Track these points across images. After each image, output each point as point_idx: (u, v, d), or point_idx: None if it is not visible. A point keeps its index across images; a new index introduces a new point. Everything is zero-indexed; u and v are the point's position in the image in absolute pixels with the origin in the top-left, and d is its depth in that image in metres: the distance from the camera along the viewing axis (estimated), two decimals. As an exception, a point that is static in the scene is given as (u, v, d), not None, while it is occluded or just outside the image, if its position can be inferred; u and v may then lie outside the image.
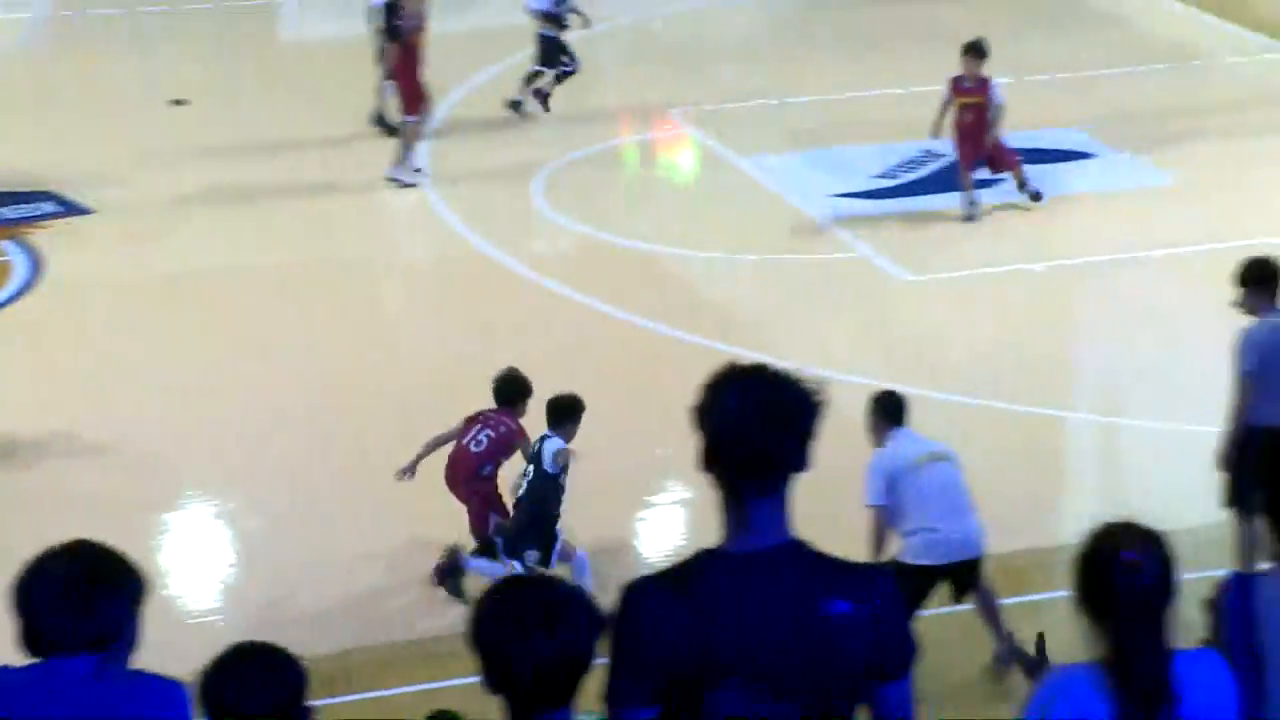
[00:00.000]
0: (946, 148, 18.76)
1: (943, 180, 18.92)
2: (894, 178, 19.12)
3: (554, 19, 20.77)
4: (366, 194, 18.85)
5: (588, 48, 24.14)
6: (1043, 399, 14.21)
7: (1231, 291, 11.14)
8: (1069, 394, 14.79)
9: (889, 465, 10.40)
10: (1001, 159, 18.03)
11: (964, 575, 10.45)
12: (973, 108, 17.75)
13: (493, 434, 11.62)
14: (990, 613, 10.70)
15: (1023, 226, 17.86)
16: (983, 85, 17.73)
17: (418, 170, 19.10)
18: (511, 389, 11.82)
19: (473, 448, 11.61)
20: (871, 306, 16.26)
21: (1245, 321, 11.07)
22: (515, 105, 20.92)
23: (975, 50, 17.85)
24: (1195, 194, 18.60)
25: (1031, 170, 18.79)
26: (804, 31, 24.75)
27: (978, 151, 17.87)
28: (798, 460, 4.53)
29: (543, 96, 20.87)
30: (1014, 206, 18.15)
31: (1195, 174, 19.07)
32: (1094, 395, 14.93)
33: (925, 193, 18.71)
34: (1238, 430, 10.94)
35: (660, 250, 17.36)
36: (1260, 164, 19.33)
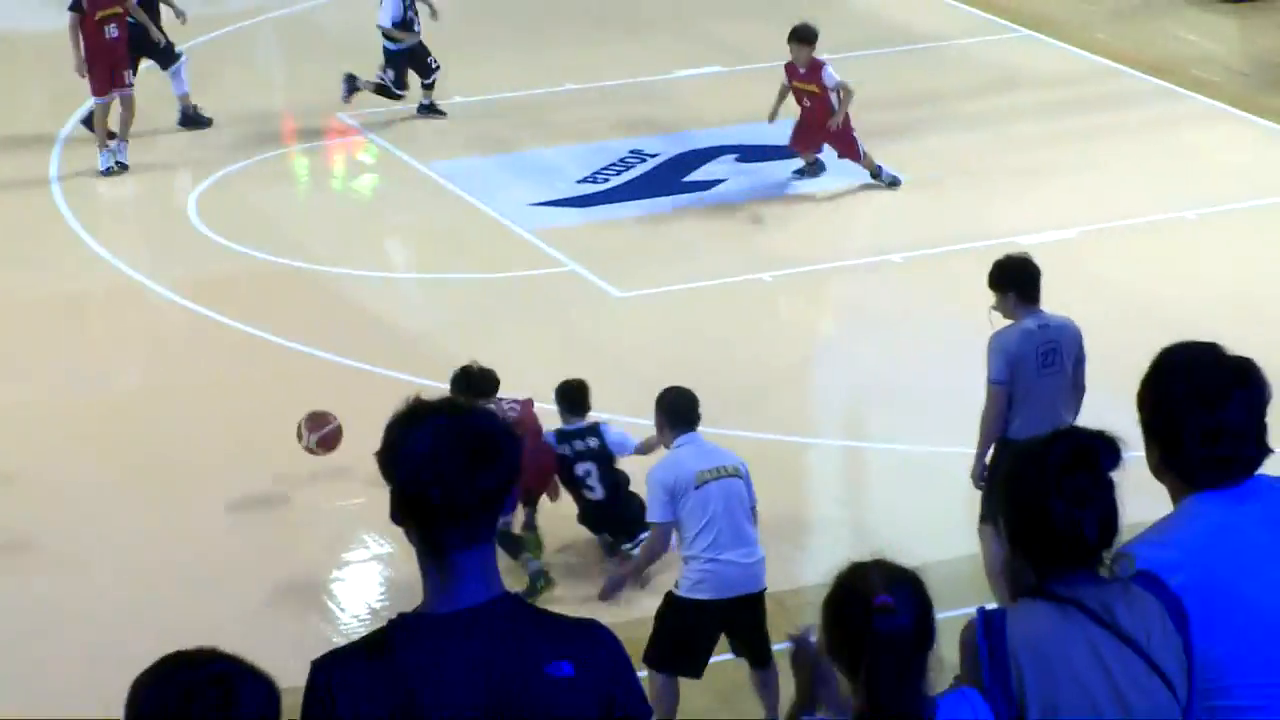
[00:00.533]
0: (659, 146, 18.87)
1: (657, 183, 19.02)
2: (601, 182, 19.15)
3: (404, 25, 20.49)
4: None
5: (246, 45, 23.89)
6: (777, 423, 14.34)
7: (985, 295, 11.39)
8: (806, 417, 14.96)
9: (670, 478, 10.34)
10: (848, 146, 18.46)
11: (742, 613, 10.36)
12: (809, 95, 18.31)
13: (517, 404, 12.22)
14: (767, 699, 10.47)
15: (747, 233, 18.00)
16: (815, 70, 18.23)
17: (120, 164, 19.23)
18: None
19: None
20: (581, 327, 16.27)
21: (999, 326, 11.34)
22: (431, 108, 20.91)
23: (799, 36, 18.41)
24: (936, 189, 18.88)
25: (750, 169, 18.99)
26: (486, 22, 24.71)
27: (817, 139, 18.47)
28: (504, 503, 4.51)
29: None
30: (730, 213, 18.36)
31: (934, 167, 19.35)
32: (835, 417, 15.13)
33: (637, 197, 18.79)
34: (988, 445, 11.21)
35: (339, 272, 17.20)
36: (1004, 153, 19.72)
